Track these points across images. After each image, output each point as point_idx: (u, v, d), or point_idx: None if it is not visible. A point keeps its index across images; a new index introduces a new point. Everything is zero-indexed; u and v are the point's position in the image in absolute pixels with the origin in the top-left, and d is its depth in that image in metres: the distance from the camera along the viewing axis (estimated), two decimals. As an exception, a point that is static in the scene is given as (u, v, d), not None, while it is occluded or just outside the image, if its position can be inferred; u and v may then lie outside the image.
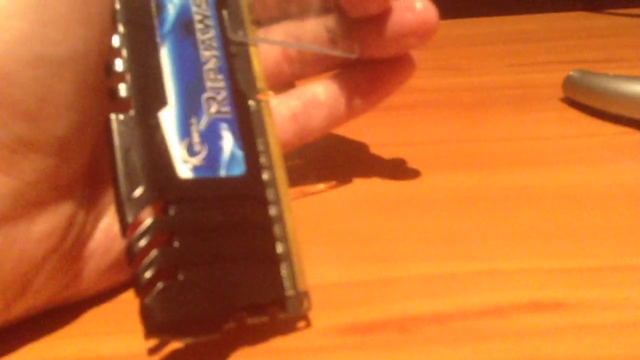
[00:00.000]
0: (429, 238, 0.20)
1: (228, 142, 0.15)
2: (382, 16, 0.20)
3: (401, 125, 0.31)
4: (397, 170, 0.25)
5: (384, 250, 0.19)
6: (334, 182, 0.24)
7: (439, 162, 0.26)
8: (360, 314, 0.16)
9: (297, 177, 0.22)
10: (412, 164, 0.26)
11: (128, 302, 0.16)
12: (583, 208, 0.21)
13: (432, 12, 0.20)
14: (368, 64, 0.22)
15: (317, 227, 0.21)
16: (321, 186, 0.24)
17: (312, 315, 0.16)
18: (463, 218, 0.21)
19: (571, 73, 0.32)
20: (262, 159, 0.16)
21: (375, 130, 0.27)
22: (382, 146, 0.27)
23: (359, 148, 0.28)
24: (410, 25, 0.20)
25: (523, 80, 0.37)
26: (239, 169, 0.15)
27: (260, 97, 0.17)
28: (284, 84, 0.22)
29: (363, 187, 0.24)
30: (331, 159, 0.27)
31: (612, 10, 0.50)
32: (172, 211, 0.14)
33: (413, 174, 0.25)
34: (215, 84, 0.16)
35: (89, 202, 0.16)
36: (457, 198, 0.23)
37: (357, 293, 0.17)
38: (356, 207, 0.23)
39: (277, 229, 0.16)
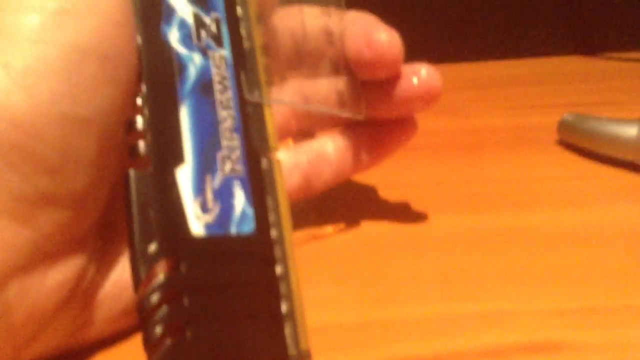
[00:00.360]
0: (430, 279, 0.21)
1: (240, 200, 0.16)
2: (389, 81, 0.22)
3: (402, 166, 0.31)
4: (400, 211, 0.26)
5: (386, 292, 0.20)
6: (342, 225, 0.25)
7: (439, 203, 0.27)
8: (362, 356, 0.17)
9: (306, 220, 0.23)
10: (414, 205, 0.27)
11: (137, 344, 0.16)
12: (579, 249, 0.22)
13: (436, 79, 0.22)
14: (373, 123, 0.23)
15: (322, 268, 0.22)
16: (330, 229, 0.25)
17: (314, 357, 0.16)
18: (463, 259, 0.22)
19: (565, 116, 0.33)
20: (271, 217, 0.16)
21: (377, 172, 0.28)
22: (386, 187, 0.28)
23: (364, 189, 0.29)
24: (416, 91, 0.21)
25: (519, 123, 0.37)
26: (248, 227, 0.16)
27: (272, 155, 0.17)
28: (304, 133, 0.23)
29: (368, 229, 0.25)
30: (338, 200, 0.27)
31: (604, 54, 0.51)
32: (183, 268, 0.14)
33: (415, 215, 0.26)
34: (230, 142, 0.16)
35: (101, 254, 0.17)
36: (457, 239, 0.23)
37: (359, 334, 0.18)
38: (361, 248, 0.23)
39: (282, 287, 0.16)
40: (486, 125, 0.38)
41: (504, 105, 0.41)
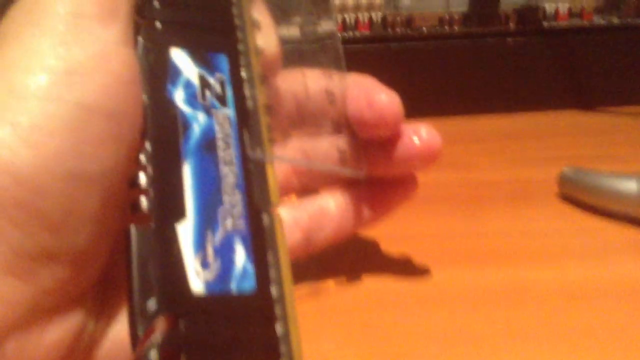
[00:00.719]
0: (432, 336, 0.20)
1: (240, 256, 0.16)
2: (390, 140, 0.22)
3: (403, 219, 0.31)
4: (402, 265, 0.26)
5: (388, 349, 0.20)
6: (343, 279, 0.25)
7: (441, 257, 0.27)
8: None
9: (307, 274, 0.23)
10: (415, 258, 0.27)
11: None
12: (581, 305, 0.22)
13: (436, 138, 0.22)
14: (374, 180, 0.23)
15: (323, 324, 0.21)
16: (331, 283, 0.25)
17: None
18: (465, 316, 0.22)
19: (565, 170, 0.33)
20: (272, 273, 0.16)
21: (378, 224, 0.28)
22: (387, 239, 0.28)
23: (366, 241, 0.28)
24: (416, 150, 0.22)
25: (518, 176, 0.38)
26: (249, 284, 0.16)
27: (274, 211, 0.17)
28: (308, 190, 0.23)
29: (370, 284, 0.25)
30: (339, 253, 0.27)
31: (602, 108, 0.51)
32: (182, 325, 0.14)
33: (417, 270, 0.26)
34: (232, 198, 0.16)
35: (99, 310, 0.17)
36: (459, 295, 0.23)
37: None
38: (362, 304, 0.23)
39: (282, 347, 0.15)
40: (487, 178, 0.38)
41: (504, 158, 0.41)
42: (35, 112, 0.14)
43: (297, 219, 0.22)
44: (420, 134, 0.22)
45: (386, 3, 0.50)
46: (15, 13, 0.16)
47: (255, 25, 0.19)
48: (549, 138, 0.46)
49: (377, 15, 0.50)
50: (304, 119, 0.21)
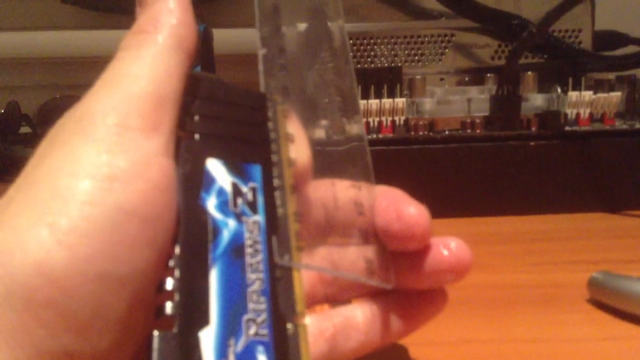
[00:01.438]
0: None
1: None
2: (419, 253, 0.22)
3: (428, 323, 0.31)
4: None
5: None
6: None
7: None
8: None
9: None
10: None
11: None
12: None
13: (466, 251, 0.22)
14: (403, 293, 0.23)
15: None
16: None
17: None
18: None
19: (595, 275, 0.33)
20: None
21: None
22: (411, 345, 0.27)
23: (390, 347, 0.28)
24: (445, 264, 0.22)
25: (547, 279, 0.37)
26: None
27: (299, 320, 0.17)
28: (341, 301, 0.23)
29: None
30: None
31: (628, 212, 0.51)
32: None
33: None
34: (257, 305, 0.16)
35: None
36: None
37: None
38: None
39: None
40: (513, 281, 0.37)
41: (531, 260, 0.41)
42: (74, 214, 0.15)
43: (323, 328, 0.22)
44: (450, 248, 0.22)
45: (408, 108, 0.52)
46: (65, 121, 0.17)
47: (289, 138, 0.20)
48: (576, 241, 0.45)
49: (400, 119, 0.51)
50: (332, 228, 0.22)
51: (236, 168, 0.18)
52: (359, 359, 0.23)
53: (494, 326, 0.30)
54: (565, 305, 0.33)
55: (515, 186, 0.52)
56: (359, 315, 0.22)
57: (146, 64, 0.18)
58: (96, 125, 0.16)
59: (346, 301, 0.23)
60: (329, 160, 0.22)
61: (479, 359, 0.26)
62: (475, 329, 0.30)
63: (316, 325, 0.21)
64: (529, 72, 0.54)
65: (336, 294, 0.23)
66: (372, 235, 0.22)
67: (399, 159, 0.51)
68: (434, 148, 0.51)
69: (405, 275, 0.22)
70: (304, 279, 0.22)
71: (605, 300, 0.32)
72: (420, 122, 0.52)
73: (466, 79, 0.59)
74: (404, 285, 0.22)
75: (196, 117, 0.18)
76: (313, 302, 0.23)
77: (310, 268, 0.20)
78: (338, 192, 0.22)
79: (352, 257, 0.22)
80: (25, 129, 0.70)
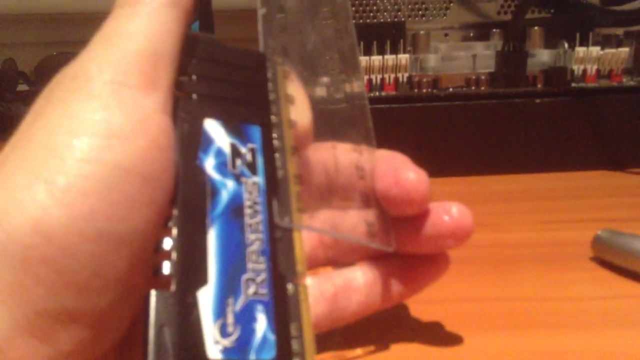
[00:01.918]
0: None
1: (262, 324, 0.16)
2: (419, 217, 0.22)
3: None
4: (432, 331, 0.25)
5: None
6: (371, 348, 0.24)
7: (472, 322, 0.26)
8: None
9: (334, 341, 0.22)
10: (446, 324, 0.26)
11: None
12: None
13: (467, 217, 0.22)
14: (404, 257, 0.23)
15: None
16: (359, 351, 0.24)
17: None
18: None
19: (599, 233, 0.32)
20: (294, 345, 0.16)
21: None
22: (416, 303, 0.27)
23: (395, 306, 0.28)
24: (446, 228, 0.21)
25: (552, 238, 0.37)
26: (269, 354, 0.15)
27: (299, 280, 0.17)
28: (344, 263, 0.23)
29: (398, 352, 0.24)
30: (368, 318, 0.27)
31: (632, 170, 0.51)
32: None
33: (447, 336, 0.25)
34: (256, 265, 0.16)
35: None
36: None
37: None
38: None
39: None
40: (518, 239, 0.37)
41: (535, 219, 0.41)
42: (72, 172, 0.15)
43: (324, 290, 0.22)
44: (450, 213, 0.22)
45: (412, 64, 0.51)
46: (60, 79, 0.17)
47: (289, 99, 0.20)
48: (580, 199, 0.45)
49: (403, 76, 0.50)
50: (333, 192, 0.21)
51: (235, 129, 0.18)
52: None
53: (498, 285, 0.30)
54: (569, 264, 0.33)
55: (520, 144, 0.51)
56: (360, 277, 0.22)
57: (142, 22, 0.17)
58: (93, 82, 0.16)
59: (349, 264, 0.23)
60: (330, 123, 0.22)
61: (482, 318, 0.26)
62: (478, 288, 0.30)
63: (317, 287, 0.21)
64: (536, 28, 0.52)
65: (338, 257, 0.23)
66: (373, 199, 0.22)
67: (401, 117, 0.50)
68: (438, 106, 0.51)
69: (406, 240, 0.22)
70: (305, 243, 0.22)
71: (609, 258, 0.31)
72: (424, 79, 0.51)
73: (471, 34, 0.58)
74: (405, 250, 0.22)
75: (194, 77, 0.18)
76: (314, 265, 0.23)
77: (311, 229, 0.20)
78: (339, 156, 0.22)
79: (353, 221, 0.22)
80: (22, 87, 0.70)
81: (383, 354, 0.24)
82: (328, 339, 0.22)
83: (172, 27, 0.18)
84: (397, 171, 0.21)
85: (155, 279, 0.15)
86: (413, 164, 0.22)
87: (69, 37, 0.74)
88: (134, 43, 0.17)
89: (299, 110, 0.20)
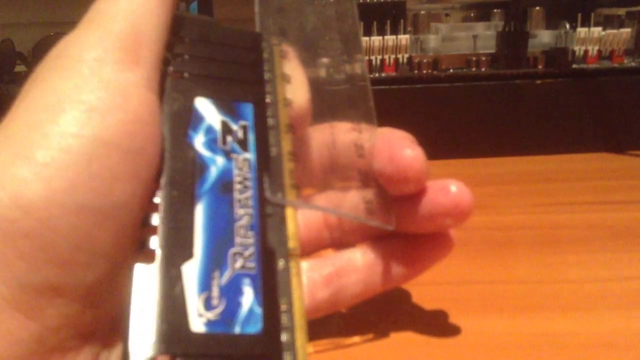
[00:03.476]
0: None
1: (248, 298, 0.16)
2: (417, 196, 0.21)
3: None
4: (430, 315, 0.25)
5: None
6: (370, 335, 0.24)
7: (469, 305, 0.26)
8: None
9: (333, 323, 0.22)
10: (444, 307, 0.26)
11: None
12: (617, 357, 0.21)
13: (466, 195, 0.21)
14: (406, 237, 0.22)
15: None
16: (356, 339, 0.24)
17: None
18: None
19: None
20: (284, 319, 0.16)
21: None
22: (415, 285, 0.27)
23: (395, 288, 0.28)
24: (444, 207, 0.21)
25: (549, 220, 0.37)
26: (255, 327, 0.15)
27: (291, 256, 0.17)
28: (345, 245, 0.23)
29: (396, 337, 0.24)
30: (365, 303, 0.27)
31: (633, 152, 0.50)
32: None
33: (445, 320, 0.25)
34: (244, 240, 0.16)
35: (110, 350, 0.16)
36: (489, 347, 0.23)
37: None
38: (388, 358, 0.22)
39: None
40: (516, 221, 0.37)
41: (532, 201, 0.41)
42: (52, 146, 0.15)
43: (324, 272, 0.21)
44: (449, 191, 0.21)
45: (412, 45, 0.50)
46: (45, 60, 0.17)
47: (286, 78, 0.20)
48: (579, 182, 0.45)
49: (403, 57, 0.50)
50: (333, 170, 0.21)
51: (226, 106, 0.18)
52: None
53: (496, 267, 0.30)
54: (566, 246, 0.32)
55: (520, 126, 0.51)
56: (359, 258, 0.22)
57: (125, 2, 0.17)
58: (73, 60, 0.16)
59: (350, 245, 0.23)
60: (329, 103, 0.22)
61: (480, 300, 0.26)
62: (476, 270, 0.30)
63: (317, 269, 0.21)
64: (537, 8, 0.52)
65: (342, 238, 0.23)
66: (372, 177, 0.21)
67: (401, 98, 0.50)
68: (438, 87, 0.50)
69: (406, 219, 0.22)
70: (310, 225, 0.22)
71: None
72: (424, 60, 0.50)
73: (472, 14, 0.57)
74: (405, 229, 0.22)
75: (186, 57, 0.18)
76: (320, 246, 0.23)
77: (303, 205, 0.20)
78: (338, 135, 0.21)
79: (353, 200, 0.22)
80: (20, 68, 0.69)
81: (380, 340, 0.24)
82: (327, 321, 0.22)
83: (156, 7, 0.18)
84: (393, 148, 0.21)
85: (142, 253, 0.15)
86: (411, 140, 0.21)
87: (66, 18, 0.73)
88: (117, 23, 0.17)
89: (295, 90, 0.20)
